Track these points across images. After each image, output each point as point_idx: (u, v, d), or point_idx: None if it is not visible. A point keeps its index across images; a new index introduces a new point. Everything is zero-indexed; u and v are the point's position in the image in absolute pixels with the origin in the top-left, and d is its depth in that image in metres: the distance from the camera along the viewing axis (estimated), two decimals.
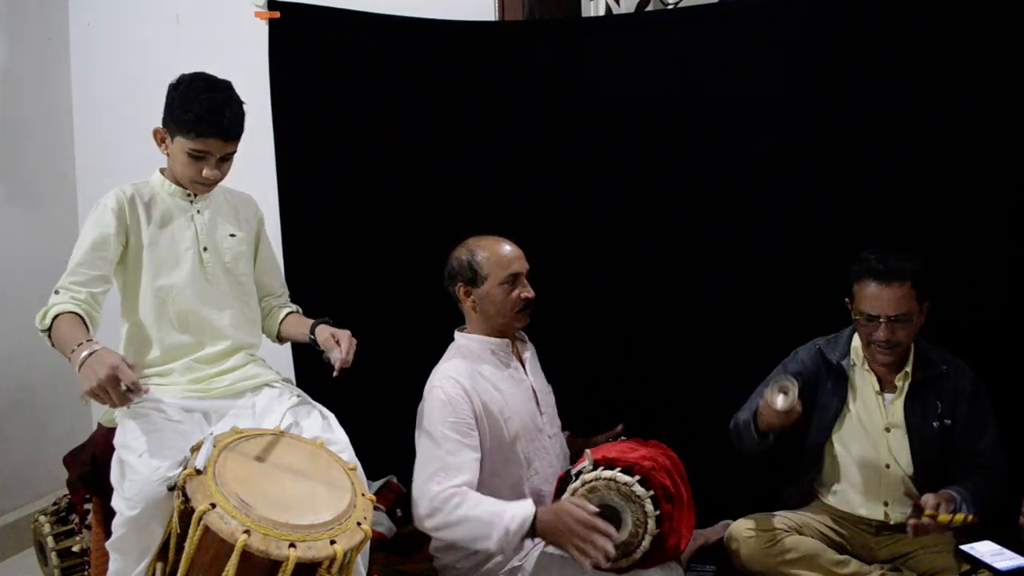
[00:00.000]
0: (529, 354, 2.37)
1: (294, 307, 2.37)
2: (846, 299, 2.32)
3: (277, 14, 2.70)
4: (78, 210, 3.39)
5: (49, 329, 1.93)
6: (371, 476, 2.23)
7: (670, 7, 2.87)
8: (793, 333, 2.50)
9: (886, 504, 2.29)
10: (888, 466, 2.29)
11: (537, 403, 2.29)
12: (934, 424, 2.25)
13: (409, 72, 2.78)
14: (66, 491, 2.52)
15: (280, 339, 2.37)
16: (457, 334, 2.31)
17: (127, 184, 2.12)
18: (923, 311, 2.24)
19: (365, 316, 2.78)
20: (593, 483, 1.98)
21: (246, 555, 1.59)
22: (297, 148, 2.81)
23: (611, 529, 1.93)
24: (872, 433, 2.30)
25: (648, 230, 2.72)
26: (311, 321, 2.24)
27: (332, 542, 1.67)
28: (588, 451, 2.05)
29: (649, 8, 2.90)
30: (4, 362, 3.08)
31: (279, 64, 2.74)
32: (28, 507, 3.04)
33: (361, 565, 1.98)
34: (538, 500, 2.20)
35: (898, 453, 2.27)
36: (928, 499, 2.06)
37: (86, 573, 2.47)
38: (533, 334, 2.41)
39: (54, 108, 3.35)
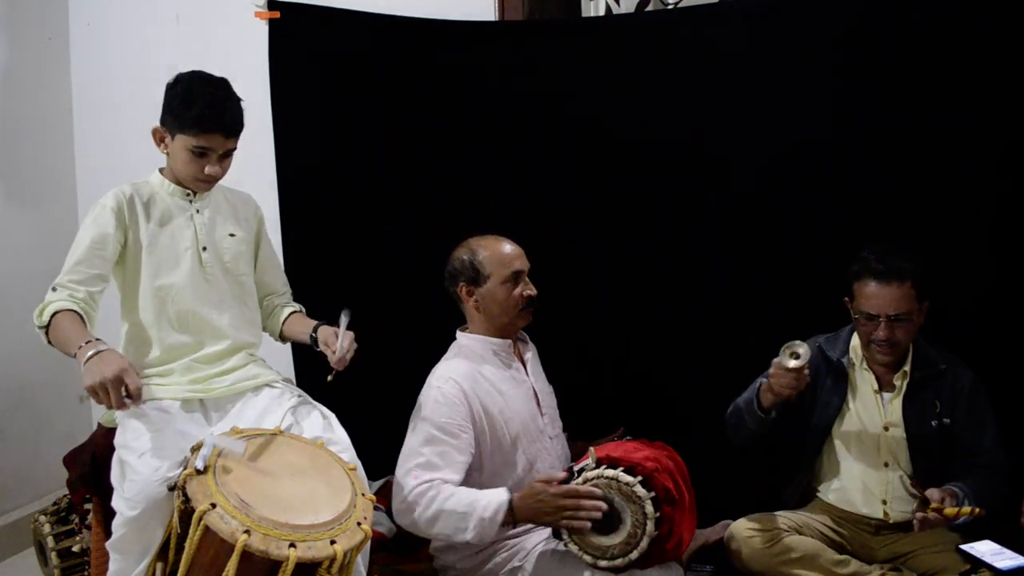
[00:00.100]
0: (531, 355, 2.37)
1: (297, 306, 2.37)
2: (846, 298, 2.32)
3: (277, 14, 2.70)
4: (78, 210, 3.39)
5: (47, 326, 1.93)
6: (371, 476, 2.23)
7: (670, 7, 2.87)
8: (793, 333, 2.47)
9: (885, 503, 2.29)
10: (887, 464, 2.29)
11: (538, 404, 2.29)
12: (932, 423, 2.25)
13: (409, 72, 2.78)
14: (66, 491, 2.52)
15: (283, 338, 2.37)
16: (459, 333, 2.31)
17: (126, 184, 2.12)
18: (922, 311, 2.24)
19: (365, 316, 2.78)
20: (595, 481, 1.98)
21: (246, 555, 1.60)
22: (297, 148, 2.81)
23: (592, 490, 1.95)
24: (871, 432, 2.31)
25: (648, 229, 2.72)
26: (314, 322, 2.23)
27: (332, 542, 1.67)
28: (592, 449, 2.05)
29: (649, 8, 2.90)
30: (4, 362, 3.08)
31: (279, 64, 2.74)
32: (28, 507, 3.04)
33: (361, 565, 1.98)
34: None
35: (897, 452, 2.28)
36: (933, 493, 2.06)
37: (86, 573, 2.47)
38: (533, 334, 2.41)
39: (54, 108, 3.35)
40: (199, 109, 2.02)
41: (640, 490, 1.96)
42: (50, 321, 1.93)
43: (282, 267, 2.45)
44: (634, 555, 1.96)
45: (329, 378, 2.05)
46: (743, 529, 2.29)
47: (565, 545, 2.02)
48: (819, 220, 2.55)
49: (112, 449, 1.98)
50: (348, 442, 2.05)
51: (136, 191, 2.11)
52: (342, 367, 2.06)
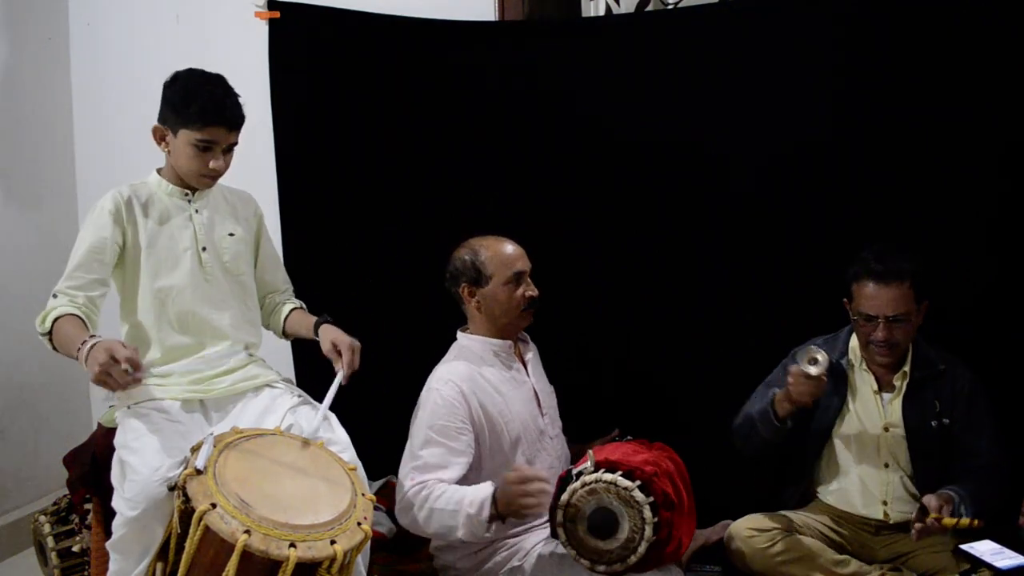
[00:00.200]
0: (531, 355, 2.37)
1: (298, 303, 2.36)
2: (844, 299, 2.32)
3: (277, 14, 2.70)
4: (78, 210, 3.38)
5: (50, 333, 1.93)
6: (371, 476, 2.23)
7: (670, 7, 2.87)
8: (793, 333, 2.49)
9: (885, 503, 2.29)
10: (887, 465, 2.29)
11: (539, 404, 2.29)
12: (932, 423, 2.25)
13: (409, 72, 2.78)
14: (66, 491, 2.52)
15: (285, 335, 2.36)
16: (460, 334, 2.31)
17: (124, 186, 2.12)
18: (921, 311, 2.24)
19: (365, 316, 2.77)
20: (593, 485, 1.98)
21: (246, 555, 1.60)
22: (297, 148, 2.81)
23: (539, 472, 1.96)
24: (871, 433, 2.30)
25: (648, 230, 2.72)
26: (315, 318, 2.23)
27: (332, 542, 1.67)
28: (591, 451, 2.04)
29: (649, 8, 2.90)
30: (4, 362, 3.08)
31: (279, 64, 2.74)
32: (28, 507, 3.04)
33: (361, 565, 1.98)
34: None
35: (897, 453, 2.28)
36: (931, 501, 2.06)
37: (86, 573, 2.47)
38: (533, 334, 2.41)
39: (54, 108, 3.35)
40: (201, 103, 2.03)
41: (638, 495, 1.95)
42: (52, 327, 1.93)
43: (283, 265, 2.44)
44: (632, 560, 1.95)
45: (343, 382, 2.07)
46: (743, 529, 2.29)
47: (564, 547, 2.02)
48: (819, 220, 2.55)
49: (112, 449, 1.98)
50: (348, 442, 2.05)
51: (134, 192, 2.11)
52: (352, 370, 2.08)
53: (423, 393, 2.19)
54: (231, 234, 2.21)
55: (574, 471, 2.03)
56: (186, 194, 2.15)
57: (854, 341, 2.35)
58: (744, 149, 2.61)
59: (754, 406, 2.34)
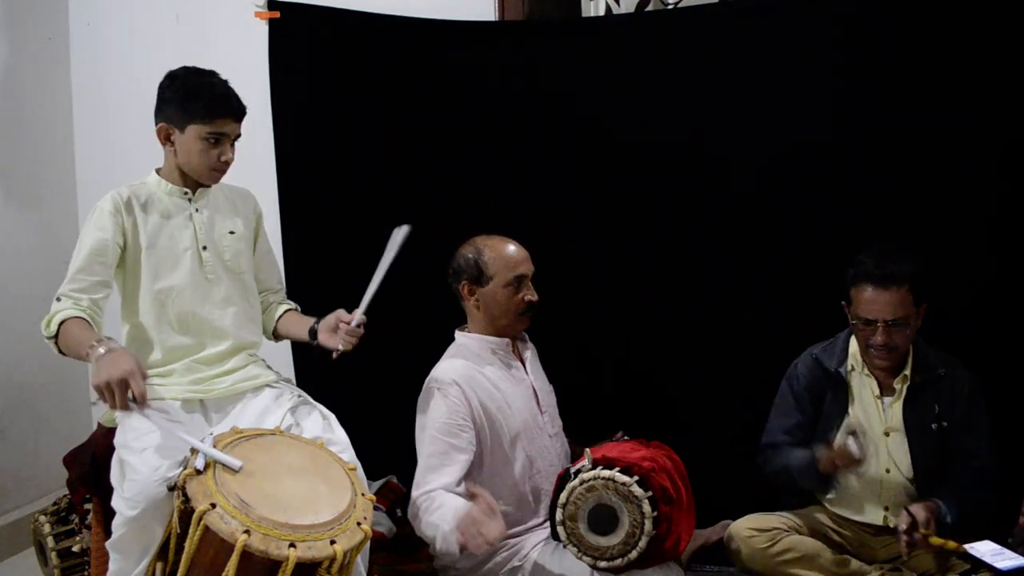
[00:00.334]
0: (530, 354, 2.37)
1: (291, 304, 2.36)
2: (843, 302, 2.31)
3: (277, 14, 2.70)
4: (78, 210, 3.38)
5: (55, 336, 1.93)
6: (371, 476, 2.24)
7: (670, 7, 2.87)
8: (792, 333, 2.49)
9: (887, 509, 2.28)
10: (888, 471, 2.28)
11: (538, 402, 2.29)
12: (932, 426, 2.25)
13: (409, 72, 2.78)
14: (66, 491, 2.51)
15: (276, 336, 2.36)
16: (458, 333, 2.31)
17: (123, 186, 2.11)
18: (920, 314, 2.23)
19: (365, 316, 2.78)
20: (591, 482, 1.98)
21: (246, 555, 1.59)
22: (297, 148, 2.81)
23: (482, 506, 1.88)
24: (872, 438, 2.29)
25: (648, 230, 2.72)
26: (310, 321, 2.22)
27: (332, 542, 1.67)
28: (588, 450, 2.05)
29: (649, 8, 2.90)
30: (4, 362, 3.08)
31: (279, 64, 2.74)
32: (28, 507, 3.04)
33: (361, 565, 1.98)
34: (539, 499, 2.21)
35: (898, 457, 2.27)
36: (919, 513, 2.07)
37: (86, 573, 2.47)
38: (533, 334, 2.41)
39: (54, 108, 3.35)
40: (208, 97, 2.05)
41: (637, 490, 1.96)
42: (58, 331, 1.93)
43: (278, 264, 2.44)
44: (633, 555, 1.96)
45: (334, 355, 2.06)
46: (743, 529, 2.29)
47: (564, 547, 2.02)
48: (819, 220, 2.55)
49: (112, 449, 1.98)
50: (348, 442, 2.05)
51: (133, 193, 2.10)
52: (351, 342, 2.07)
53: (422, 392, 2.19)
54: (232, 232, 2.21)
55: (572, 470, 2.04)
56: (186, 193, 2.15)
57: (853, 345, 2.34)
58: (744, 149, 2.61)
59: (792, 459, 2.30)
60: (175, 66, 2.14)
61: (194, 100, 2.04)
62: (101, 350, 1.80)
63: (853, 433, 2.14)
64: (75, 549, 2.50)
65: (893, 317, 2.18)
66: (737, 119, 2.60)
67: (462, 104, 2.78)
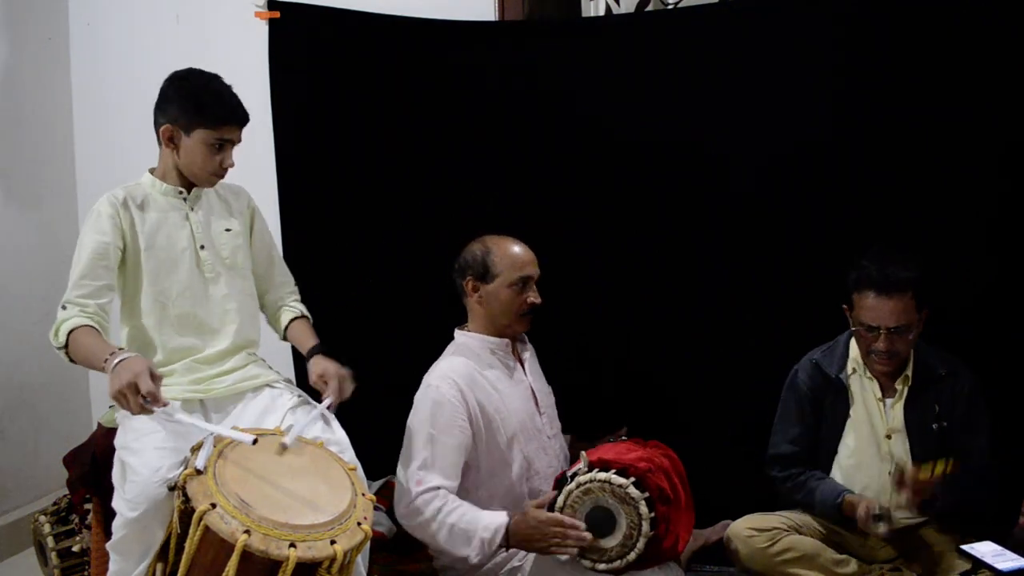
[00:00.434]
0: (528, 355, 2.37)
1: (299, 310, 2.32)
2: (844, 306, 2.31)
3: (277, 14, 2.70)
4: (78, 210, 3.38)
5: (66, 346, 1.92)
6: (371, 476, 2.23)
7: (670, 7, 2.87)
8: (792, 333, 2.50)
9: (882, 533, 2.27)
10: (890, 473, 2.27)
11: (536, 404, 2.29)
12: (932, 426, 2.25)
13: (409, 72, 2.78)
14: (66, 491, 2.52)
15: (286, 340, 2.35)
16: (457, 332, 2.31)
17: (118, 188, 2.10)
18: (922, 319, 2.23)
19: (365, 316, 2.79)
20: (588, 485, 1.98)
21: (246, 555, 1.59)
22: (297, 148, 2.81)
23: (576, 522, 1.96)
24: (874, 440, 2.30)
25: (648, 230, 2.72)
26: (312, 343, 2.21)
27: (332, 542, 1.67)
28: (584, 453, 2.05)
29: (649, 8, 2.90)
30: (4, 362, 3.07)
31: (279, 64, 2.74)
32: (28, 507, 3.04)
33: (361, 565, 1.98)
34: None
35: (900, 459, 2.26)
36: (906, 464, 2.12)
37: (86, 573, 2.47)
38: (533, 334, 2.41)
39: (54, 108, 3.35)
40: (218, 103, 2.05)
41: (633, 491, 1.95)
42: (68, 340, 1.92)
43: (280, 258, 2.40)
44: (631, 556, 1.96)
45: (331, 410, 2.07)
46: (743, 529, 2.29)
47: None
48: (819, 220, 2.55)
49: (112, 449, 1.98)
50: (348, 442, 2.05)
51: (129, 194, 2.10)
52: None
53: (421, 390, 2.19)
54: (228, 230, 2.20)
55: (568, 473, 2.04)
56: (180, 192, 2.14)
57: (854, 348, 2.34)
58: (744, 149, 2.61)
59: (817, 492, 2.29)
60: (175, 66, 2.13)
61: (204, 106, 2.04)
62: (115, 361, 1.79)
63: (881, 518, 2.13)
64: (75, 549, 2.50)
65: (896, 324, 2.18)
66: (737, 119, 2.60)
67: (462, 104, 2.78)
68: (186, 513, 1.70)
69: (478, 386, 2.18)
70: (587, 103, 2.71)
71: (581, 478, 1.99)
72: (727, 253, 2.66)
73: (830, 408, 2.34)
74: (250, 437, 1.78)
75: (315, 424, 2.07)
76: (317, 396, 2.18)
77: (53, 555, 2.49)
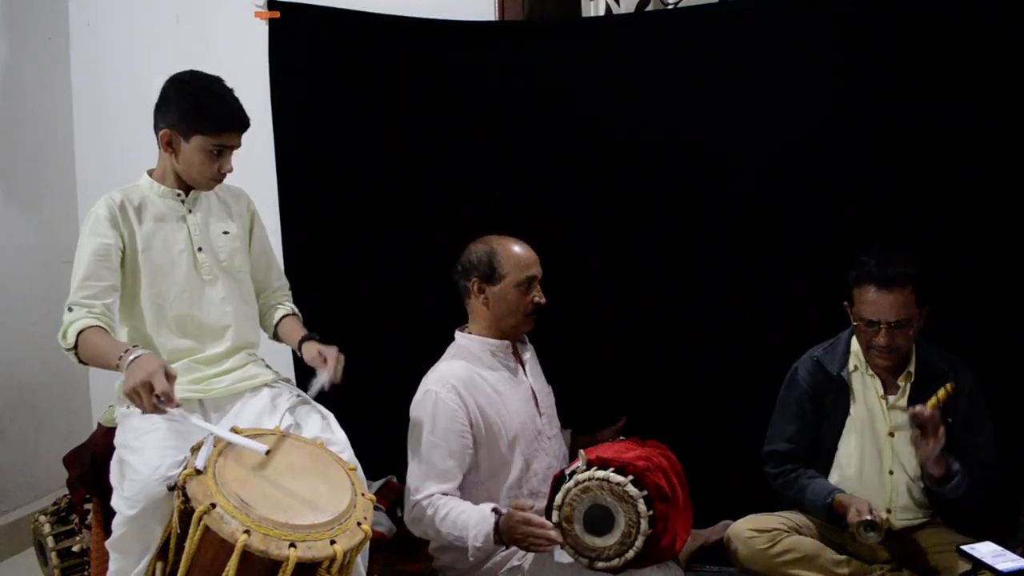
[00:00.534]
0: (529, 355, 2.37)
1: (290, 308, 2.33)
2: (845, 303, 2.31)
3: (277, 14, 2.70)
4: (78, 210, 3.38)
5: (75, 347, 1.92)
6: (371, 476, 2.24)
7: (670, 7, 2.87)
8: (793, 333, 2.49)
9: (889, 512, 2.27)
10: (892, 472, 2.27)
11: (536, 405, 2.29)
12: (939, 407, 2.24)
13: (409, 72, 2.78)
14: (66, 491, 2.52)
15: (278, 339, 2.36)
16: (458, 333, 2.31)
17: (115, 190, 2.10)
18: (922, 315, 2.23)
19: (365, 316, 2.79)
20: (586, 483, 1.98)
21: (246, 555, 1.59)
22: (297, 148, 2.81)
23: (544, 520, 1.98)
24: (876, 439, 2.29)
25: (648, 229, 2.72)
26: (301, 332, 2.21)
27: (332, 542, 1.67)
28: (582, 452, 2.05)
29: (649, 8, 2.90)
30: (4, 362, 3.07)
31: (279, 64, 2.74)
32: (28, 507, 3.04)
33: (361, 565, 1.98)
34: (538, 500, 2.20)
35: (903, 457, 2.26)
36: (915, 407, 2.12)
37: (86, 573, 2.47)
38: (534, 334, 2.41)
39: (54, 108, 3.35)
40: (218, 109, 2.04)
41: (631, 489, 1.95)
42: (77, 341, 1.92)
43: (277, 262, 2.42)
44: (630, 554, 1.96)
45: (325, 387, 2.07)
46: (743, 530, 2.29)
47: (561, 548, 2.02)
48: (819, 220, 2.55)
49: (112, 449, 1.98)
50: (347, 442, 2.05)
51: (126, 196, 2.09)
52: (335, 382, 2.07)
53: (420, 395, 2.19)
54: (226, 232, 2.20)
55: (567, 471, 2.04)
56: (179, 195, 2.14)
57: (855, 345, 2.34)
58: (744, 149, 2.61)
59: (808, 490, 2.29)
60: (175, 66, 2.13)
61: (203, 112, 2.03)
62: (130, 358, 1.80)
63: (873, 527, 2.12)
64: (75, 549, 2.50)
65: (896, 318, 2.18)
66: (737, 119, 2.60)
67: (462, 104, 2.78)
68: (186, 513, 1.70)
69: (478, 389, 2.18)
70: (587, 103, 2.71)
71: (579, 476, 1.99)
72: (727, 253, 2.66)
73: (831, 406, 2.34)
74: (263, 447, 1.77)
75: (315, 424, 2.07)
76: (317, 396, 2.18)
77: (53, 555, 2.49)
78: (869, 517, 2.11)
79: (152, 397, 1.74)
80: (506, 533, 1.99)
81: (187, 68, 2.11)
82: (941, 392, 2.10)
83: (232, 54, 2.66)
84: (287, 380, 2.28)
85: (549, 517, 2.01)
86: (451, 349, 2.29)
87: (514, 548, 2.13)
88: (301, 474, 1.82)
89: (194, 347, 2.12)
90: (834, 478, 2.35)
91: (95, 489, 2.24)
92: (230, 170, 2.11)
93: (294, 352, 2.76)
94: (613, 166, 2.72)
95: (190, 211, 2.15)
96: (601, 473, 1.98)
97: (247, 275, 2.25)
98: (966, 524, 2.24)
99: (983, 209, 2.45)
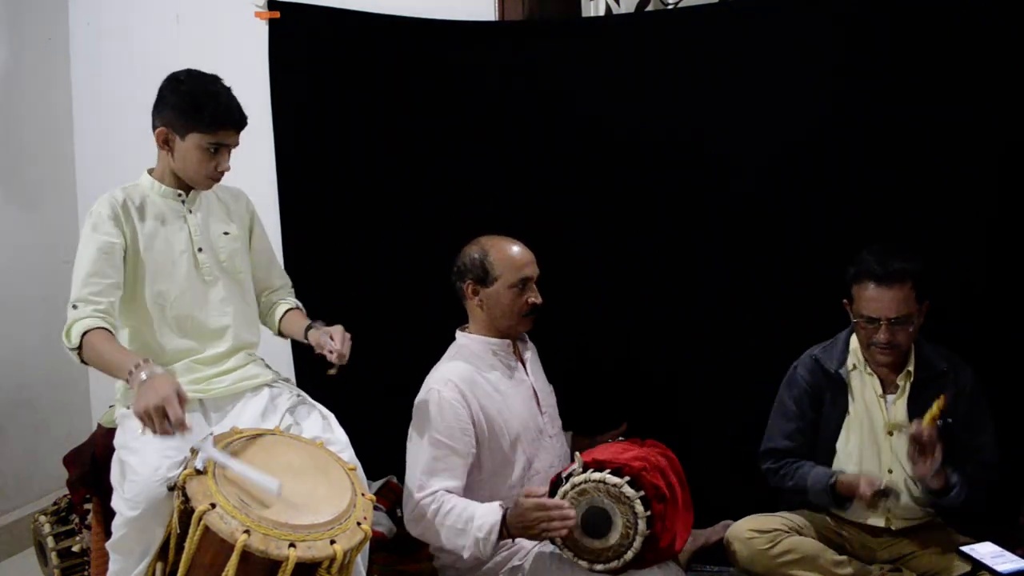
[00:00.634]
0: (530, 354, 2.37)
1: (294, 303, 2.33)
2: (844, 300, 2.31)
3: (277, 14, 2.70)
4: (78, 210, 3.38)
5: (79, 347, 1.91)
6: (371, 476, 2.23)
7: (670, 7, 2.86)
8: (792, 333, 2.49)
9: (889, 511, 2.28)
10: (891, 471, 2.27)
11: (538, 403, 2.29)
12: (938, 423, 2.24)
13: (409, 72, 2.78)
14: (66, 491, 2.52)
15: (283, 335, 2.35)
16: (459, 333, 2.31)
17: (116, 189, 2.10)
18: (922, 311, 2.23)
19: (365, 316, 2.77)
20: (582, 485, 1.98)
21: (246, 555, 1.60)
22: (297, 148, 2.81)
23: (560, 502, 1.96)
24: (875, 438, 2.29)
25: (648, 229, 2.72)
26: (306, 322, 2.21)
27: (332, 542, 1.67)
28: (578, 454, 2.05)
29: (649, 8, 2.90)
30: (4, 362, 3.08)
31: (279, 64, 2.74)
32: (28, 507, 3.04)
33: (361, 565, 1.98)
34: None
35: (901, 456, 2.25)
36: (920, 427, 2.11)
37: (86, 573, 2.47)
38: (534, 334, 2.41)
39: (54, 108, 3.35)
40: (214, 107, 2.03)
41: (628, 490, 1.96)
42: (82, 342, 1.90)
43: (278, 261, 2.42)
44: (628, 555, 1.96)
45: (332, 372, 2.04)
46: (743, 530, 2.29)
47: (560, 550, 2.02)
48: (819, 220, 2.55)
49: (112, 449, 1.98)
50: (347, 442, 2.05)
51: (128, 195, 2.09)
52: (343, 362, 2.03)
53: (422, 394, 2.19)
54: (226, 233, 2.20)
55: (564, 474, 2.04)
56: (179, 195, 2.14)
57: (855, 343, 2.34)
58: (744, 149, 2.61)
59: (807, 477, 2.28)
60: (175, 66, 2.13)
61: (198, 109, 2.02)
62: (143, 375, 1.77)
63: (888, 493, 2.13)
64: (75, 549, 2.50)
65: (896, 315, 2.18)
66: (737, 119, 2.60)
67: (462, 104, 2.78)
68: (186, 513, 1.70)
69: (480, 388, 2.18)
70: (587, 103, 2.71)
71: (576, 479, 2.00)
72: (727, 253, 2.66)
73: (830, 404, 2.34)
74: (276, 483, 1.70)
75: (315, 424, 2.07)
76: (317, 396, 2.18)
77: (53, 555, 2.49)
78: (881, 487, 2.12)
79: (164, 422, 1.72)
80: (516, 522, 1.97)
81: (187, 68, 2.11)
82: (935, 407, 2.09)
83: (232, 54, 2.66)
84: (287, 380, 2.28)
85: None
86: (452, 349, 2.29)
87: (514, 548, 2.14)
88: (301, 474, 1.82)
89: (194, 347, 2.12)
90: None
91: (95, 489, 2.24)
92: (228, 169, 2.10)
93: (294, 352, 2.79)
94: (613, 166, 2.72)
95: (190, 211, 2.15)
96: (597, 475, 1.98)
97: (247, 276, 2.25)
98: (966, 524, 2.24)
99: (983, 209, 2.45)
